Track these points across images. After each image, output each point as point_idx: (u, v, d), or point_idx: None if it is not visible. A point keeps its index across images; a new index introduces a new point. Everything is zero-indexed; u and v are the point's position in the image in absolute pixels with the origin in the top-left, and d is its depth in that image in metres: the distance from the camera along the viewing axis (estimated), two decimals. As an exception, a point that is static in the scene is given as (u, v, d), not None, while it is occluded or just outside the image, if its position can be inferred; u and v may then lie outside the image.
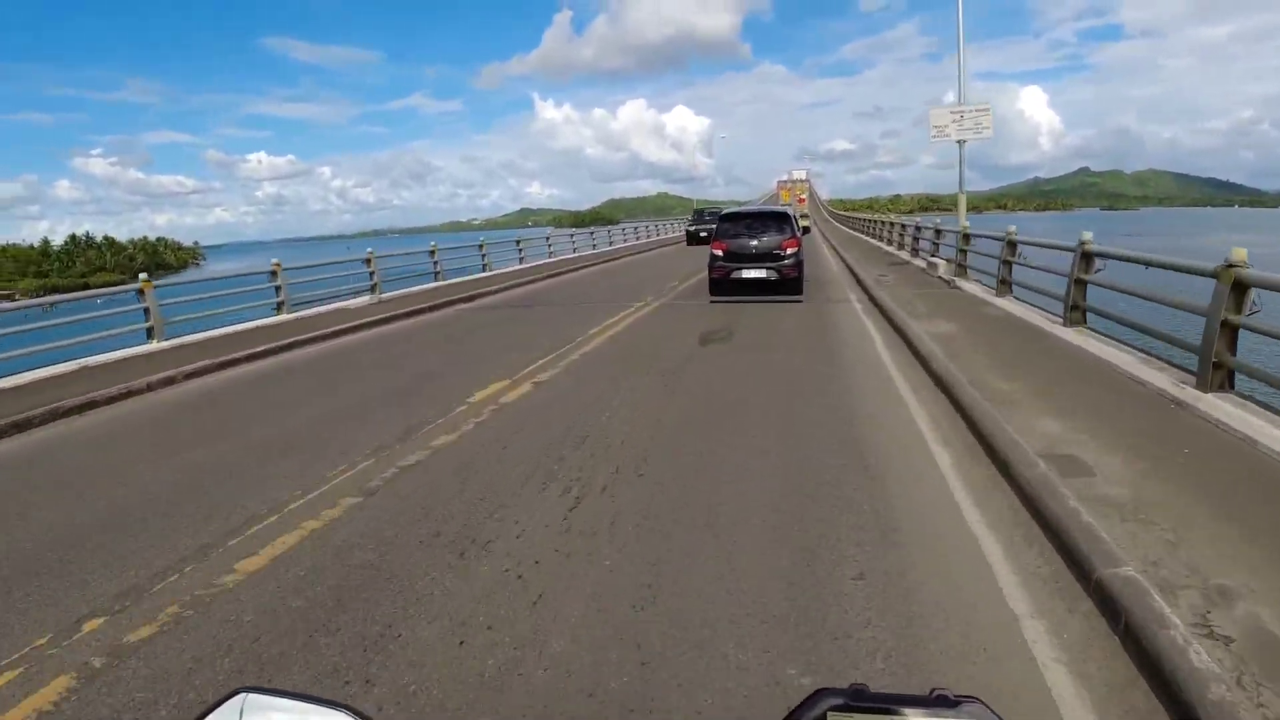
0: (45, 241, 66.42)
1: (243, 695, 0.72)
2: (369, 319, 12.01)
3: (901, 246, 22.02)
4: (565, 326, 10.88)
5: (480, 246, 19.24)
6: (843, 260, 21.00)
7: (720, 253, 14.08)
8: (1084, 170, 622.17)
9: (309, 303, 13.59)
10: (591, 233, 31.15)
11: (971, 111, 16.74)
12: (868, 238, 31.41)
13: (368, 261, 14.40)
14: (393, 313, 12.68)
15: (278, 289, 12.53)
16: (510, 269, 20.31)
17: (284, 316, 12.38)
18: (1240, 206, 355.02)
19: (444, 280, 16.96)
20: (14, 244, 66.38)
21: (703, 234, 31.77)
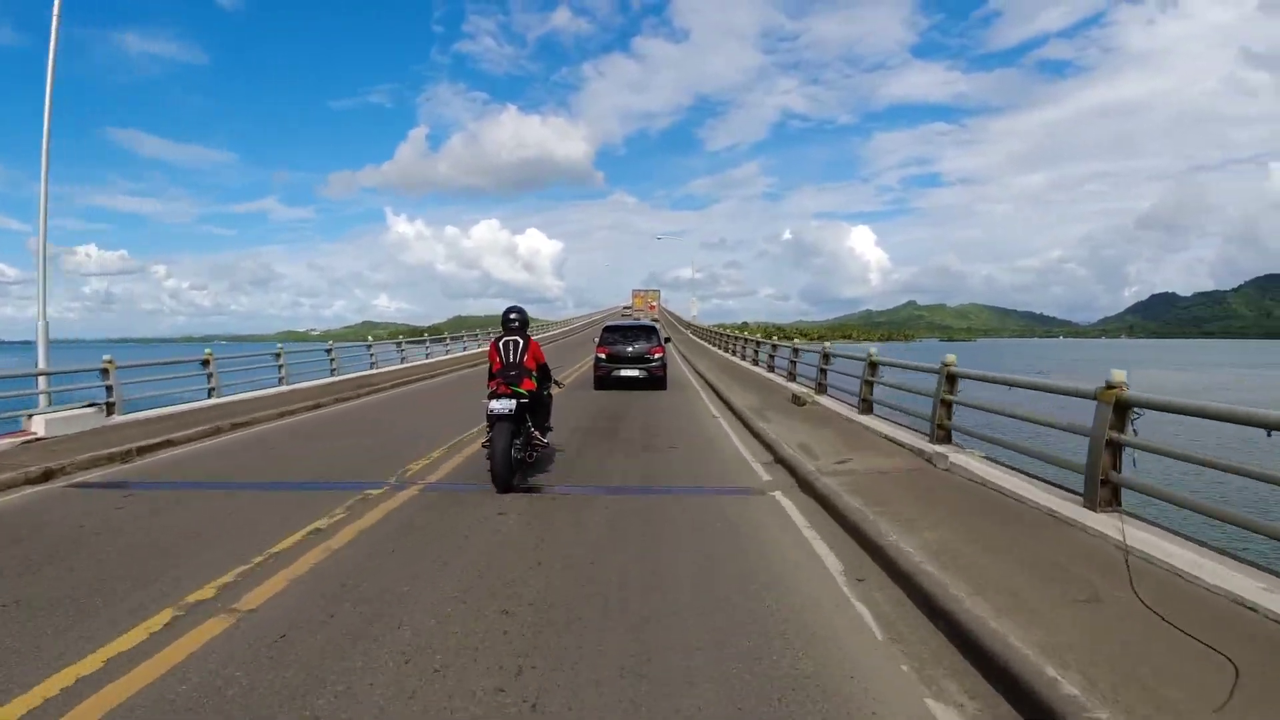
0: None
1: None
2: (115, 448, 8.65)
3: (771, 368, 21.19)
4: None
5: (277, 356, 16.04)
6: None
7: (604, 355, 17.32)
8: (911, 303, 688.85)
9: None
10: (402, 343, 27.41)
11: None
12: (737, 360, 29.11)
13: (105, 372, 11.12)
14: (138, 443, 9.07)
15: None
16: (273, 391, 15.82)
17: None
18: (1065, 337, 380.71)
19: (220, 398, 13.69)
20: None
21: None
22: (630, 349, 17.38)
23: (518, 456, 7.04)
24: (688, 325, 71.51)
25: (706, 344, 43.01)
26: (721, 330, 46.81)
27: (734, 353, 29.81)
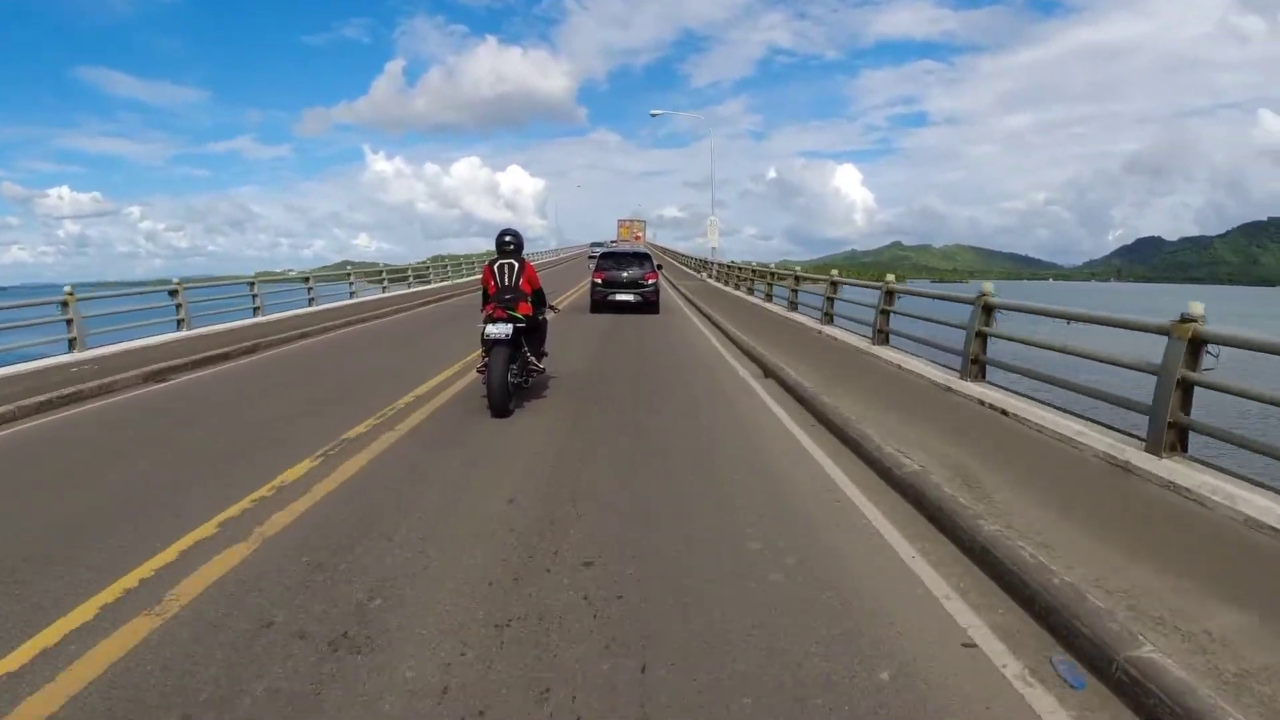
0: None
1: None
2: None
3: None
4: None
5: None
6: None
7: (600, 280, 17.91)
8: (896, 244, 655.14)
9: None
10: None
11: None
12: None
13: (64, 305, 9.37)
14: None
15: None
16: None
17: None
18: (1054, 280, 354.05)
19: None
20: None
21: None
22: (625, 274, 17.79)
23: (514, 382, 6.93)
24: (702, 265, 41.09)
25: (753, 298, 20.81)
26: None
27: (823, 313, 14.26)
